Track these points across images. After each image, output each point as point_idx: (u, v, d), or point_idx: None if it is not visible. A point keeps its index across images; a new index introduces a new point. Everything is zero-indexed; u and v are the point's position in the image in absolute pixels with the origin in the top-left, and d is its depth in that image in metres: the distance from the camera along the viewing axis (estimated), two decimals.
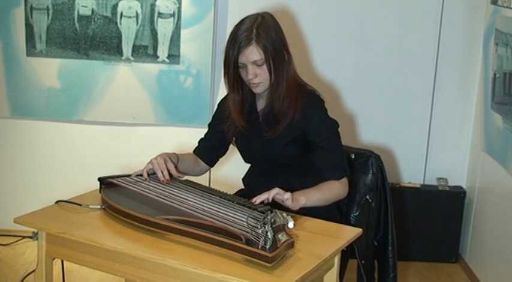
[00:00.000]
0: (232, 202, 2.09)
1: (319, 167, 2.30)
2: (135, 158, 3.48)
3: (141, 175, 2.32)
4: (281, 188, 2.11)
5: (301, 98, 2.30)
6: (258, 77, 2.24)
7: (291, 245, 1.84)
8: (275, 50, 2.22)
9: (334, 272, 2.04)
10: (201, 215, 1.97)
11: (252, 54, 2.20)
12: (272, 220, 1.86)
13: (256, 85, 2.27)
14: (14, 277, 3.25)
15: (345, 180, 2.32)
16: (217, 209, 2.02)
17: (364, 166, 2.51)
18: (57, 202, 2.19)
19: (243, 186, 2.57)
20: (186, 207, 2.04)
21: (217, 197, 2.15)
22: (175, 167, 2.33)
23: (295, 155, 2.34)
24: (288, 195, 2.08)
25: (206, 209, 2.03)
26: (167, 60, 3.51)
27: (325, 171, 2.30)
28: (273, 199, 2.08)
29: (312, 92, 2.36)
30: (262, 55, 2.20)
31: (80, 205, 2.15)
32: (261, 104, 2.38)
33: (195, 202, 2.09)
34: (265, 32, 2.21)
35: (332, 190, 2.27)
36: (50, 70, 3.54)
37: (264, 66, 2.22)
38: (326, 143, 2.30)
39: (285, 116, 2.29)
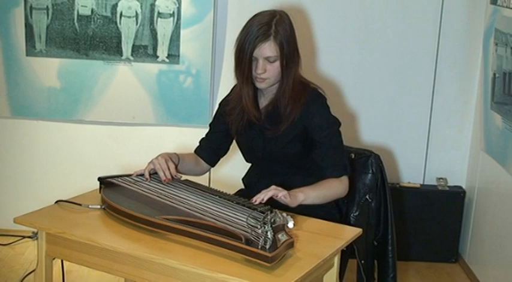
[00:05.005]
0: (232, 202, 2.09)
1: (320, 164, 2.30)
2: (135, 158, 3.50)
3: (141, 175, 2.32)
4: (281, 186, 2.11)
5: (304, 96, 2.30)
6: (267, 73, 2.23)
7: (291, 245, 1.84)
8: (289, 49, 2.22)
9: (334, 272, 2.04)
10: (201, 215, 1.97)
11: (268, 50, 2.19)
12: (272, 220, 1.86)
13: (262, 80, 2.25)
14: (14, 277, 3.25)
15: (345, 179, 2.32)
16: (217, 209, 2.02)
17: (364, 166, 2.51)
18: (57, 202, 2.19)
19: (243, 186, 2.57)
20: (186, 207, 2.04)
21: (217, 197, 2.15)
22: (176, 167, 2.33)
23: (297, 153, 2.34)
24: (282, 193, 2.08)
25: (206, 208, 2.03)
26: (167, 60, 3.51)
27: (326, 168, 2.30)
28: (272, 198, 2.08)
29: (314, 89, 2.36)
30: (277, 52, 2.20)
31: (80, 205, 2.15)
32: (263, 101, 2.38)
33: (195, 202, 2.09)
34: (283, 29, 2.21)
35: (331, 188, 2.27)
36: (49, 70, 3.54)
37: (275, 63, 2.22)
38: (327, 140, 2.30)
39: (289, 116, 2.29)
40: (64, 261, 2.21)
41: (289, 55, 2.23)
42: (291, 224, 1.95)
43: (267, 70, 2.23)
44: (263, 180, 2.35)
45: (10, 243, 3.62)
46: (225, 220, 1.92)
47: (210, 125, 2.54)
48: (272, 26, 2.19)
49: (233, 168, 2.95)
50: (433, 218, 3.59)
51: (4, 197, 3.75)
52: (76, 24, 3.48)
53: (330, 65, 3.59)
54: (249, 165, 2.55)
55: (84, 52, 3.51)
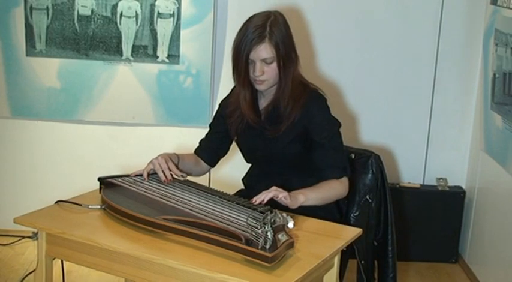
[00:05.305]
0: (232, 202, 2.09)
1: (319, 165, 2.30)
2: (135, 158, 3.49)
3: (140, 175, 2.32)
4: (281, 187, 2.11)
5: (304, 97, 2.30)
6: (265, 75, 2.23)
7: (291, 245, 1.84)
8: (286, 49, 2.22)
9: (334, 272, 2.04)
10: (200, 215, 1.97)
11: (264, 51, 2.19)
12: (272, 220, 1.86)
13: (261, 82, 2.26)
14: (14, 277, 3.25)
15: (344, 180, 2.32)
16: (217, 209, 2.02)
17: (364, 166, 2.51)
18: (57, 202, 2.19)
19: (243, 187, 2.57)
20: (185, 207, 2.04)
21: (217, 197, 2.14)
22: (177, 166, 2.33)
23: (297, 154, 2.34)
24: (282, 194, 2.08)
25: (206, 209, 2.03)
26: (167, 60, 3.51)
27: (325, 169, 2.30)
28: (272, 199, 2.08)
29: (314, 90, 2.35)
30: (274, 53, 2.20)
31: (80, 205, 2.15)
32: (263, 102, 2.38)
33: (194, 202, 2.09)
34: (278, 30, 2.21)
35: (331, 189, 2.27)
36: (49, 70, 3.54)
37: (273, 65, 2.22)
38: (327, 141, 2.30)
39: (289, 116, 2.29)
40: (64, 261, 2.21)
41: (286, 55, 2.23)
42: (291, 224, 1.95)
43: (265, 72, 2.23)
44: (263, 181, 2.35)
45: (10, 243, 3.62)
46: (225, 220, 1.92)
47: (210, 125, 2.54)
48: (267, 28, 2.19)
49: (233, 168, 2.95)
50: (433, 218, 3.59)
51: (4, 197, 3.75)
52: (76, 24, 3.48)
53: (329, 65, 3.59)
54: (249, 165, 2.55)
55: (84, 52, 3.51)
